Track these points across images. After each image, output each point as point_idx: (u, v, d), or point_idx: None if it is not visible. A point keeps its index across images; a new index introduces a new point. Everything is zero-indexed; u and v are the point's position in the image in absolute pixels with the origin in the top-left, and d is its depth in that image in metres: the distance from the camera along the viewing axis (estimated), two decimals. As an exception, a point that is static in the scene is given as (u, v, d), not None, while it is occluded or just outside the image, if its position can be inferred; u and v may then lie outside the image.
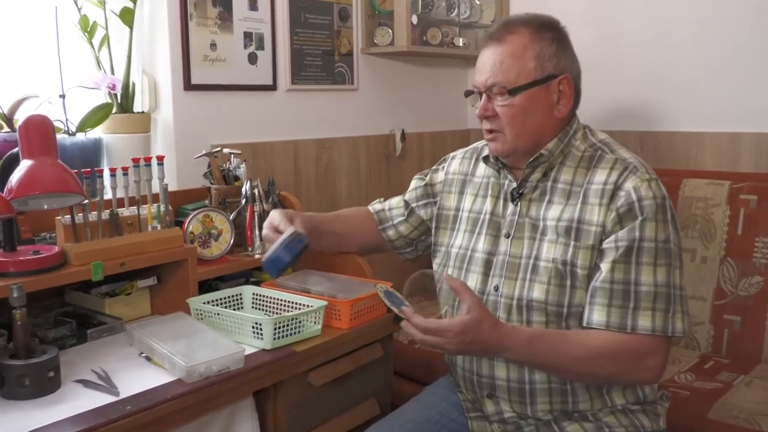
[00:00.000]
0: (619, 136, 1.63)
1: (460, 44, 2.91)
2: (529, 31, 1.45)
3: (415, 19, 2.66)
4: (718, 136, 2.57)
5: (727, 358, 2.22)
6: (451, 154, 1.75)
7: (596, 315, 1.39)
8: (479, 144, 1.70)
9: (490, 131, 1.49)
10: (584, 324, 1.41)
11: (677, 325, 1.37)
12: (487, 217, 1.55)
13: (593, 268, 1.41)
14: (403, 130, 2.89)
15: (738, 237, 2.29)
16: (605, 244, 1.40)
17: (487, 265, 1.51)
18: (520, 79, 1.44)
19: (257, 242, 1.92)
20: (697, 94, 2.61)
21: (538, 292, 1.43)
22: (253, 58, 2.34)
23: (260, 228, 1.92)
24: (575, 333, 1.40)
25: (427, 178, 1.74)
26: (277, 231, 1.56)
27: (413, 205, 1.74)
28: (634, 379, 1.42)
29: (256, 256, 1.92)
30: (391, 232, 1.76)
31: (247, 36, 2.31)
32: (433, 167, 1.77)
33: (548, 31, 1.47)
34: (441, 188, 1.70)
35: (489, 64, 1.46)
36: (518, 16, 1.50)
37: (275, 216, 1.59)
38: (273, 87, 2.42)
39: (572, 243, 1.42)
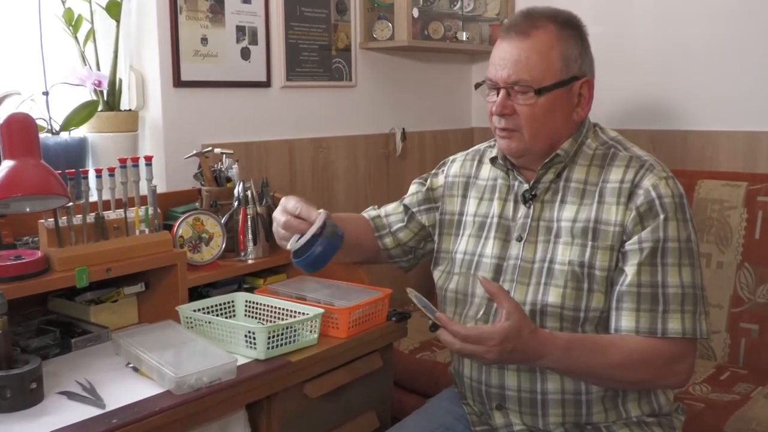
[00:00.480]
0: (630, 136, 1.64)
1: (464, 38, 2.91)
2: (555, 27, 1.45)
3: (416, 12, 2.66)
4: (734, 135, 2.57)
5: (744, 369, 2.22)
6: (451, 158, 1.75)
7: (624, 321, 1.40)
8: (481, 146, 1.71)
9: (504, 129, 1.48)
10: (612, 330, 1.42)
11: (703, 327, 1.40)
12: (495, 220, 1.56)
13: (612, 270, 1.42)
14: (403, 129, 2.90)
15: (756, 241, 2.29)
16: (628, 246, 1.41)
17: (497, 270, 1.52)
18: (546, 78, 1.43)
19: (250, 247, 1.92)
20: (713, 91, 2.61)
21: (553, 296, 1.44)
22: (246, 54, 2.34)
23: (253, 232, 1.92)
24: (609, 338, 1.41)
25: (428, 182, 1.74)
26: (299, 218, 1.48)
27: (414, 209, 1.72)
28: (664, 383, 1.45)
29: (249, 262, 1.92)
30: (387, 240, 1.74)
31: (240, 30, 2.32)
32: (432, 171, 1.76)
33: (572, 28, 1.48)
34: (442, 192, 1.70)
35: (512, 58, 1.44)
36: (541, 9, 1.49)
37: (292, 203, 1.49)
38: (267, 84, 2.42)
39: (590, 243, 1.43)
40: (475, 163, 1.68)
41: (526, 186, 1.53)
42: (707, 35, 2.60)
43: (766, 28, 2.48)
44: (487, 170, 1.64)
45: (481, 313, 1.50)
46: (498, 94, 1.47)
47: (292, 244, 1.47)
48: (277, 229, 1.53)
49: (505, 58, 1.46)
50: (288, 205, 1.50)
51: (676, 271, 1.40)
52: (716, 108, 2.61)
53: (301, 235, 1.46)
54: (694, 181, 2.44)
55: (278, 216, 1.52)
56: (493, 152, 1.62)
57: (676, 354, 1.39)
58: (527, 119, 1.45)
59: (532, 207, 1.51)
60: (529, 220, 1.51)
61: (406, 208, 1.74)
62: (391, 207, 1.77)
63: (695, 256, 1.42)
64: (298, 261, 1.47)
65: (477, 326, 1.32)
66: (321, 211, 1.47)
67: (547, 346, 1.34)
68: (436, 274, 1.66)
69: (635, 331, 1.39)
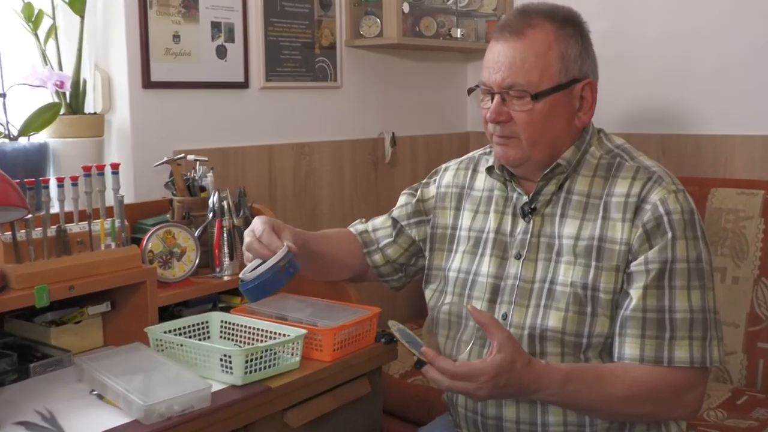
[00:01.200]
0: (638, 141, 1.65)
1: (458, 35, 2.92)
2: (553, 26, 1.45)
3: (406, 8, 2.68)
4: (750, 139, 2.59)
5: (762, 392, 2.23)
6: (443, 166, 1.75)
7: (628, 348, 1.40)
8: (476, 153, 1.71)
9: (501, 136, 1.48)
10: (615, 358, 1.42)
11: (714, 354, 1.40)
12: (491, 235, 1.56)
13: (618, 293, 1.42)
14: (393, 134, 2.90)
15: (774, 254, 2.31)
16: (634, 267, 1.41)
17: (494, 291, 1.51)
18: (544, 82, 1.43)
19: (226, 262, 1.92)
20: (726, 92, 2.63)
21: (554, 321, 1.44)
22: (221, 52, 2.34)
23: (229, 246, 1.92)
24: (611, 369, 1.41)
25: (418, 193, 1.74)
26: (262, 243, 1.50)
27: (403, 223, 1.72)
28: (672, 416, 1.45)
29: (225, 278, 1.91)
30: (376, 257, 1.74)
31: (215, 26, 2.32)
32: (423, 181, 1.76)
33: (572, 26, 1.47)
34: (434, 204, 1.70)
35: (506, 61, 1.44)
36: (537, 5, 1.49)
37: (259, 225, 1.51)
38: (245, 84, 2.42)
39: (593, 264, 1.43)
40: (470, 172, 1.68)
41: (525, 198, 1.52)
42: (721, 31, 2.63)
43: (783, 25, 2.51)
44: (482, 180, 1.64)
45: (475, 337, 1.50)
46: (492, 99, 1.46)
47: (244, 273, 1.49)
48: (243, 250, 1.55)
49: (498, 60, 1.45)
50: (256, 228, 1.51)
51: (684, 295, 1.39)
52: (731, 110, 2.63)
53: (262, 263, 1.47)
54: (707, 190, 2.45)
55: (246, 236, 1.53)
56: (490, 160, 1.62)
57: (685, 384, 1.39)
58: (524, 126, 1.44)
59: (531, 221, 1.51)
60: (529, 236, 1.50)
61: (395, 221, 1.73)
62: (379, 221, 1.76)
63: (706, 277, 1.42)
64: (242, 285, 1.49)
65: (467, 362, 1.32)
66: (283, 244, 1.47)
67: (542, 380, 1.34)
68: (428, 293, 1.65)
69: (640, 360, 1.39)
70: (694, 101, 2.70)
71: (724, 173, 2.63)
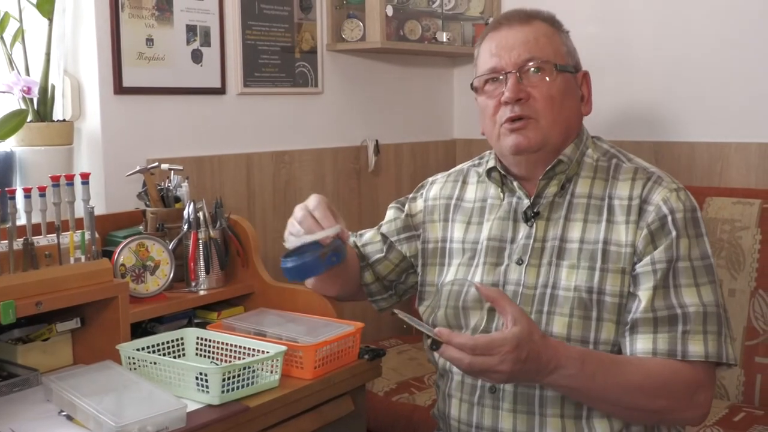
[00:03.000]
0: (631, 148, 1.67)
1: (444, 40, 2.94)
2: (545, 23, 1.56)
3: (390, 11, 2.69)
4: (746, 147, 2.62)
5: (760, 409, 2.25)
6: (430, 179, 1.77)
7: (641, 344, 1.42)
8: (464, 165, 1.72)
9: (517, 119, 1.50)
10: (627, 354, 1.44)
11: (729, 351, 1.42)
12: (485, 243, 1.57)
13: (624, 296, 1.45)
14: (376, 141, 2.91)
15: (771, 265, 2.33)
16: (640, 268, 1.44)
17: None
18: (558, 59, 1.52)
19: (202, 276, 1.92)
20: (722, 98, 2.66)
21: (558, 327, 1.46)
22: (197, 56, 2.34)
23: (205, 259, 1.92)
24: (625, 357, 1.43)
25: (405, 208, 1.75)
26: (313, 218, 1.52)
27: (393, 239, 1.73)
28: (682, 416, 1.45)
29: (201, 293, 1.91)
30: (367, 274, 1.74)
31: (191, 30, 2.32)
32: (410, 195, 1.77)
33: (560, 25, 1.59)
34: (422, 219, 1.71)
35: (518, 41, 1.52)
36: (522, 10, 1.58)
37: (314, 200, 1.54)
38: (221, 90, 2.43)
39: (598, 266, 1.46)
40: (459, 184, 1.69)
41: (527, 202, 1.55)
42: (716, 36, 2.66)
43: (780, 29, 2.54)
44: (472, 191, 1.65)
45: (484, 322, 1.52)
46: (506, 82, 1.50)
47: (289, 242, 1.50)
48: (291, 221, 1.57)
49: (508, 43, 1.52)
50: (310, 202, 1.55)
51: (693, 291, 1.43)
52: (726, 117, 2.66)
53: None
54: (702, 199, 2.47)
55: (297, 210, 1.56)
56: (481, 169, 1.64)
57: (698, 381, 1.41)
58: (545, 101, 1.49)
59: (534, 226, 1.53)
60: (532, 241, 1.52)
61: (384, 237, 1.74)
62: (368, 236, 1.77)
63: (714, 272, 1.46)
64: (284, 261, 1.51)
65: (485, 334, 1.31)
66: (337, 225, 1.50)
67: (561, 356, 1.34)
68: (422, 310, 1.66)
69: (653, 353, 1.41)
70: (687, 108, 2.73)
71: (719, 182, 2.65)
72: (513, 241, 1.55)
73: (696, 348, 1.40)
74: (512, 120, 1.50)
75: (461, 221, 1.64)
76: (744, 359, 2.31)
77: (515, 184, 1.56)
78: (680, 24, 2.72)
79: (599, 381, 1.37)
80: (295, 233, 1.53)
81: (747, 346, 2.31)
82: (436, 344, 1.31)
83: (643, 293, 1.43)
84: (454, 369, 1.55)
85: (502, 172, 1.58)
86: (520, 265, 1.52)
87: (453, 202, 1.67)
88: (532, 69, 1.50)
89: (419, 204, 1.73)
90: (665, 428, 1.51)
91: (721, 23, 2.64)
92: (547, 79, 1.50)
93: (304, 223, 1.51)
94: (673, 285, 1.43)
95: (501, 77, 1.51)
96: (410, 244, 1.71)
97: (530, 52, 1.50)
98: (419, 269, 1.69)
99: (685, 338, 1.41)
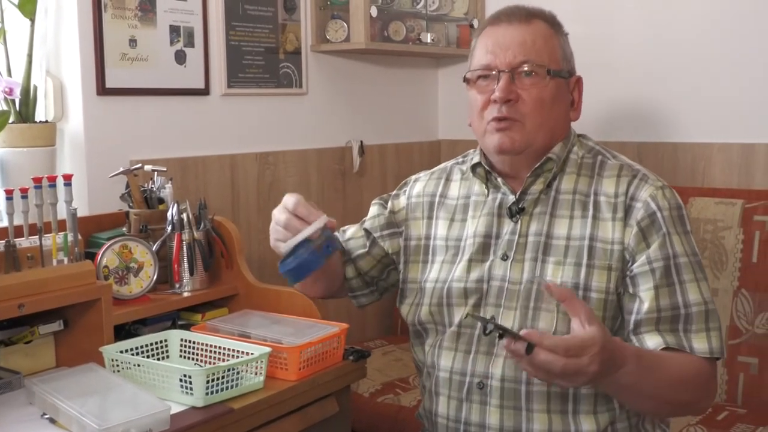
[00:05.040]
0: (615, 148, 1.68)
1: (428, 40, 2.95)
2: (546, 23, 1.56)
3: (374, 11, 2.69)
4: (728, 147, 2.64)
5: (743, 408, 2.26)
6: (413, 177, 1.77)
7: (650, 341, 1.44)
8: (447, 164, 1.73)
9: (502, 119, 1.50)
10: None
11: (722, 347, 1.46)
12: (469, 240, 1.57)
13: (611, 293, 1.46)
14: (361, 142, 2.91)
15: (753, 265, 2.35)
16: (637, 269, 1.45)
17: (477, 295, 1.53)
18: (552, 64, 1.52)
19: (186, 277, 1.91)
20: (704, 98, 2.68)
21: (544, 322, 1.46)
22: (181, 57, 2.34)
23: (189, 260, 1.91)
24: (660, 353, 1.43)
25: (389, 205, 1.75)
26: (299, 218, 1.48)
27: (376, 234, 1.73)
28: (701, 406, 1.52)
29: (185, 295, 1.91)
30: (349, 269, 1.73)
31: (174, 30, 2.32)
32: (393, 192, 1.77)
33: (561, 27, 1.59)
34: (405, 216, 1.71)
35: (515, 41, 1.52)
36: (524, 7, 1.58)
37: (291, 199, 1.49)
38: (205, 91, 2.42)
39: (584, 262, 1.47)
40: (442, 181, 1.69)
41: (512, 197, 1.55)
42: (699, 38, 2.67)
43: (763, 30, 2.56)
44: (456, 188, 1.66)
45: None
46: (498, 81, 1.50)
47: (285, 247, 1.48)
48: (275, 228, 1.52)
49: (505, 42, 1.52)
50: (288, 203, 1.50)
51: (695, 287, 1.45)
52: (709, 117, 2.68)
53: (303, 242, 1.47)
54: (685, 199, 2.48)
55: (278, 214, 1.51)
56: (465, 167, 1.65)
57: (712, 371, 1.45)
58: (535, 105, 1.50)
59: (519, 221, 1.53)
60: (517, 236, 1.53)
61: (368, 232, 1.73)
62: (351, 231, 1.76)
63: (704, 269, 1.49)
64: (282, 265, 1.48)
65: (573, 335, 1.25)
66: (322, 215, 1.48)
67: (623, 353, 1.32)
68: (404, 309, 1.66)
69: (665, 345, 1.42)
70: (671, 108, 2.75)
71: (702, 182, 2.67)
72: (498, 236, 1.55)
73: (700, 345, 1.43)
74: (499, 119, 1.51)
75: (445, 218, 1.64)
76: (727, 358, 2.32)
77: (499, 180, 1.57)
78: (664, 25, 2.73)
79: (651, 378, 1.37)
80: (282, 238, 1.50)
81: (730, 346, 2.32)
82: (531, 348, 1.21)
83: (645, 294, 1.44)
84: (441, 365, 1.55)
85: (487, 168, 1.58)
86: (505, 260, 1.53)
87: (437, 199, 1.68)
88: (525, 71, 1.50)
89: (402, 201, 1.73)
90: (650, 425, 1.52)
91: (704, 25, 2.65)
92: (539, 83, 1.50)
93: (289, 226, 1.49)
94: (678, 281, 1.45)
95: (494, 73, 1.52)
96: (393, 241, 1.71)
97: (526, 54, 1.50)
98: (401, 266, 1.69)
99: (688, 336, 1.43)
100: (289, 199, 1.49)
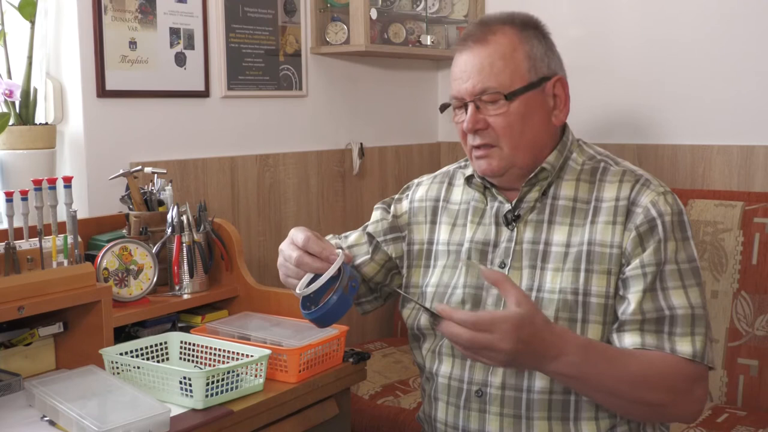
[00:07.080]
0: (614, 151, 1.68)
1: (428, 43, 2.95)
2: (514, 29, 1.50)
3: (374, 14, 2.69)
4: (728, 149, 2.64)
5: (743, 410, 2.26)
6: (416, 181, 1.76)
7: (628, 339, 1.43)
8: (450, 167, 1.72)
9: (480, 147, 1.50)
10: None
11: (711, 355, 1.43)
12: (468, 245, 1.57)
13: (610, 297, 1.45)
14: (361, 144, 2.91)
15: (753, 267, 2.35)
16: (629, 272, 1.45)
17: (476, 302, 1.53)
18: (515, 82, 1.48)
19: (186, 280, 1.91)
20: (704, 100, 2.68)
21: None
22: (181, 59, 2.34)
23: (189, 262, 1.91)
24: (628, 350, 1.42)
25: (392, 208, 1.74)
26: (310, 255, 1.44)
27: (379, 239, 1.71)
28: (682, 411, 1.45)
29: (185, 297, 1.90)
30: None
31: (174, 33, 2.32)
32: (396, 196, 1.77)
33: (532, 28, 1.53)
34: (407, 220, 1.70)
35: (474, 68, 1.48)
36: (494, 15, 1.55)
37: (300, 234, 1.45)
38: (205, 93, 2.42)
39: (584, 267, 1.46)
40: (445, 185, 1.69)
41: (508, 206, 1.55)
42: (698, 39, 2.67)
43: (762, 31, 2.56)
44: (459, 193, 1.66)
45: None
46: (467, 110, 1.49)
47: (301, 288, 1.42)
48: (284, 264, 1.49)
49: (466, 70, 1.49)
50: (298, 239, 1.46)
51: (681, 293, 1.44)
52: (708, 120, 2.68)
53: (314, 277, 1.42)
54: (685, 201, 2.49)
55: (287, 250, 1.47)
56: (467, 171, 1.65)
57: (695, 374, 1.42)
58: (503, 130, 1.48)
59: (515, 229, 1.53)
60: (513, 244, 1.52)
61: (371, 237, 1.72)
62: (353, 237, 1.73)
63: (700, 275, 1.47)
64: (309, 313, 1.41)
65: (488, 311, 1.28)
66: (339, 250, 1.44)
67: (564, 342, 1.33)
68: (405, 312, 1.65)
69: (641, 345, 1.41)
70: (670, 111, 2.75)
71: (702, 184, 2.67)
72: (496, 245, 1.55)
73: (684, 348, 1.41)
74: (476, 147, 1.51)
75: (447, 223, 1.64)
76: (727, 360, 2.32)
77: (494, 191, 1.57)
78: (663, 27, 2.73)
79: (602, 371, 1.37)
80: (293, 276, 1.47)
81: (730, 348, 2.32)
82: (436, 320, 1.28)
83: (633, 296, 1.44)
84: (440, 371, 1.55)
85: (479, 179, 1.58)
86: (503, 268, 1.52)
87: (440, 204, 1.67)
88: (487, 100, 1.48)
89: (404, 205, 1.72)
90: (650, 428, 1.52)
91: (704, 27, 2.65)
92: (501, 108, 1.47)
93: (301, 264, 1.45)
94: (660, 288, 1.44)
95: (463, 104, 1.51)
96: (396, 245, 1.71)
97: (483, 83, 1.47)
98: (404, 271, 1.69)
99: (672, 339, 1.42)
100: (299, 235, 1.46)
